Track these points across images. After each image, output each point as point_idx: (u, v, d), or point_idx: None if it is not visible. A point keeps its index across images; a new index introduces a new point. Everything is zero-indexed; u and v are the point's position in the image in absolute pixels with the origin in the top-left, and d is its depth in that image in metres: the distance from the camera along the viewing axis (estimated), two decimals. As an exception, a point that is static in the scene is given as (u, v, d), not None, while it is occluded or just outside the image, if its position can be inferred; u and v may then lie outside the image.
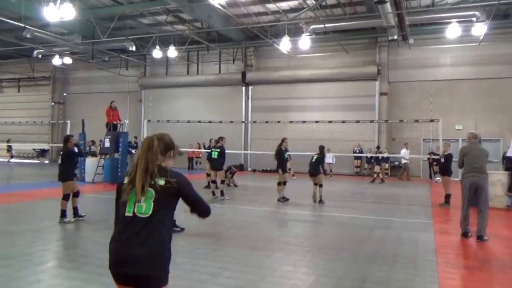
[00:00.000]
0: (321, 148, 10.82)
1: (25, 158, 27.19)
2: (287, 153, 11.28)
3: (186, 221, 7.68)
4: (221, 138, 11.33)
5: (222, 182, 11.10)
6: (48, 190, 11.44)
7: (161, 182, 2.26)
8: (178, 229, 6.60)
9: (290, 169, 16.30)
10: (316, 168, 10.58)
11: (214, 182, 11.19)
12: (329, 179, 17.01)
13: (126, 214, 2.24)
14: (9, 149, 25.91)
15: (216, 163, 11.01)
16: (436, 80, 18.94)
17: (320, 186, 10.56)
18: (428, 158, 16.80)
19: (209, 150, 14.23)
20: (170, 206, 2.31)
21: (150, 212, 2.21)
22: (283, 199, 10.54)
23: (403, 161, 18.00)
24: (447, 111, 18.13)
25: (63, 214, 7.53)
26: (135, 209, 2.22)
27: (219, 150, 11.06)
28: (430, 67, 19.20)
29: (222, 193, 10.90)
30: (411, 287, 4.38)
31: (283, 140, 10.95)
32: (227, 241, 6.41)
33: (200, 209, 2.46)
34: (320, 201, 10.46)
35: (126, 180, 2.30)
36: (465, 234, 6.63)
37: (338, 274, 4.78)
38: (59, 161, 7.78)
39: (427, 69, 19.24)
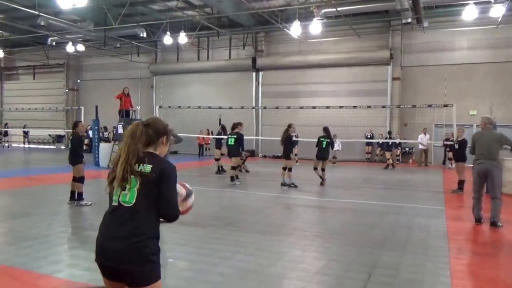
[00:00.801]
0: (328, 130, 11.10)
1: (42, 143, 27.70)
2: (294, 138, 11.49)
3: (198, 207, 7.80)
4: (239, 124, 11.31)
5: (234, 168, 11.14)
6: (65, 175, 11.66)
7: (147, 169, 2.14)
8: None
9: (296, 155, 16.39)
10: (328, 152, 10.91)
11: (233, 168, 11.20)
12: (334, 166, 16.98)
13: (113, 203, 2.16)
14: (25, 135, 26.42)
15: (233, 150, 11.05)
16: (451, 64, 18.58)
17: (323, 170, 11.01)
18: (445, 145, 16.62)
19: (218, 137, 14.40)
20: (155, 195, 2.13)
21: (134, 201, 2.10)
22: (293, 185, 10.60)
23: (420, 146, 17.81)
24: (461, 96, 17.82)
25: (80, 196, 7.77)
26: (120, 198, 2.13)
27: (235, 136, 11.06)
28: (445, 50, 18.82)
29: (232, 178, 10.97)
30: (422, 273, 4.39)
31: (290, 125, 10.93)
32: (238, 226, 6.50)
33: (167, 207, 2.16)
34: (322, 183, 10.99)
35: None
36: (478, 220, 6.60)
37: (348, 259, 4.82)
38: (69, 145, 8.07)
39: (442, 53, 18.87)
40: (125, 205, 2.11)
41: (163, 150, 2.33)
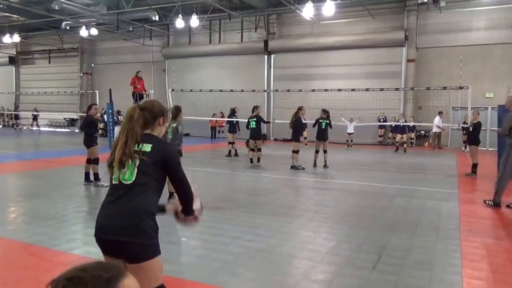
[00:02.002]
0: (327, 112, 11.40)
1: (57, 127, 28.18)
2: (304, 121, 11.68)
3: (210, 189, 7.90)
4: (256, 107, 11.54)
5: (259, 149, 11.24)
6: (80, 157, 11.89)
7: (147, 148, 2.21)
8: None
9: (305, 138, 16.39)
10: (327, 133, 11.22)
11: (253, 150, 11.43)
12: (350, 149, 16.94)
13: (114, 182, 2.22)
14: (35, 117, 26.76)
15: (255, 132, 11.20)
16: (468, 45, 18.10)
17: (325, 151, 11.15)
18: (462, 128, 16.31)
19: (231, 119, 14.48)
20: (154, 175, 2.21)
21: (133, 179, 2.16)
22: (300, 167, 10.69)
23: (436, 129, 17.52)
24: (477, 78, 17.43)
25: (96, 177, 7.96)
26: (120, 176, 2.18)
27: (256, 119, 11.19)
28: (462, 31, 18.33)
29: (258, 160, 11.18)
30: (432, 255, 4.40)
31: (300, 108, 11.00)
32: (249, 207, 6.57)
33: (183, 187, 2.30)
34: (325, 165, 11.06)
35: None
36: (499, 205, 6.50)
37: (358, 240, 4.86)
38: (82, 129, 8.23)
39: (458, 34, 18.39)
40: (125, 182, 2.17)
41: (161, 131, 2.42)
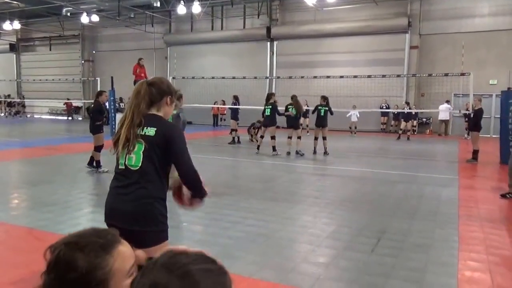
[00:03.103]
0: (326, 98, 11.42)
1: (58, 115, 28.23)
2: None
3: (212, 176, 7.96)
4: (272, 94, 11.59)
5: (273, 137, 11.11)
6: (82, 145, 11.98)
7: (151, 132, 2.12)
8: None
9: (307, 125, 16.44)
10: (326, 119, 11.22)
11: (262, 137, 11.54)
12: (353, 136, 16.96)
13: (120, 167, 2.16)
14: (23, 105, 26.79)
15: (269, 120, 11.19)
16: (472, 32, 17.90)
17: (324, 138, 11.16)
18: (464, 114, 16.25)
19: (233, 107, 14.48)
20: (160, 159, 2.13)
21: (140, 164, 2.09)
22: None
23: (443, 117, 17.52)
24: (481, 64, 17.29)
25: (98, 164, 8.01)
26: (126, 161, 2.12)
27: (271, 106, 11.15)
28: (466, 17, 18.11)
29: (274, 149, 10.99)
30: (431, 238, 4.46)
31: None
32: (251, 193, 6.62)
33: (187, 170, 2.17)
34: (325, 153, 11.07)
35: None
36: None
37: (358, 225, 4.91)
38: (90, 114, 8.24)
39: (462, 20, 18.17)
40: (132, 168, 2.11)
41: (168, 111, 2.27)
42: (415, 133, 18.14)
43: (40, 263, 1.01)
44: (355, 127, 17.63)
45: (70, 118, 26.17)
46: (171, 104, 2.27)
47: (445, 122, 17.81)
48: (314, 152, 11.35)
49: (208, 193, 2.28)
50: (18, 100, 28.29)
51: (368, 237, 4.46)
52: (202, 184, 2.22)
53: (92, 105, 8.21)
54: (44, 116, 27.43)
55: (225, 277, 0.82)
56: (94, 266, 0.95)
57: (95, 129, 8.00)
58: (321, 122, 11.31)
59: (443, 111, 16.96)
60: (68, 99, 25.75)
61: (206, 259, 0.83)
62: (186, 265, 0.79)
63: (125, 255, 1.01)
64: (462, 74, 13.38)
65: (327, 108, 11.32)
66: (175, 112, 6.63)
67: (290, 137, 11.16)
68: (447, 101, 17.19)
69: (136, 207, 2.07)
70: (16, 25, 23.56)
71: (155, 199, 2.12)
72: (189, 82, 19.18)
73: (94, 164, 8.06)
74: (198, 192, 2.22)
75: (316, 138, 11.41)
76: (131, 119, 2.12)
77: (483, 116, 10.50)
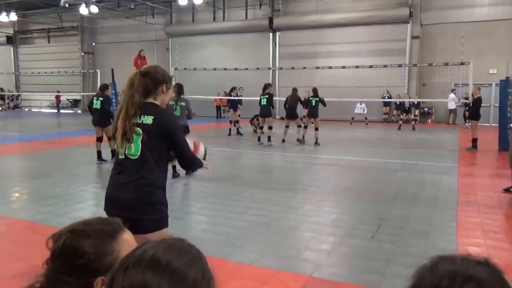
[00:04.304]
0: (316, 90, 11.75)
1: (61, 108, 28.23)
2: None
3: (215, 167, 8.04)
4: (269, 85, 11.73)
5: (270, 128, 11.24)
6: (82, 138, 12.06)
7: (148, 120, 2.14)
8: (177, 173, 6.93)
9: (305, 116, 16.49)
10: (317, 110, 11.52)
11: (261, 128, 11.58)
12: (368, 127, 16.98)
13: (120, 156, 2.19)
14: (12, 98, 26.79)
15: (265, 110, 11.27)
16: (472, 22, 17.84)
17: (316, 129, 11.44)
18: (464, 103, 16.28)
19: (233, 98, 14.51)
20: (159, 147, 2.17)
21: (139, 153, 2.13)
22: (302, 140, 11.42)
23: (451, 106, 17.59)
24: (482, 54, 17.25)
25: (99, 155, 8.21)
26: (126, 151, 2.15)
27: (267, 96, 11.24)
28: (466, 7, 18.02)
29: (269, 139, 11.08)
30: (429, 224, 4.56)
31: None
32: (253, 183, 6.72)
33: (186, 157, 2.26)
34: (316, 143, 11.29)
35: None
36: None
37: (359, 213, 5.02)
38: (98, 106, 8.12)
39: (463, 10, 18.08)
40: (131, 157, 2.15)
41: (164, 99, 2.28)
42: (417, 122, 18.17)
43: (41, 257, 1.02)
44: (366, 118, 17.53)
45: (58, 111, 26.10)
46: (167, 91, 2.28)
47: (454, 111, 17.94)
48: (300, 140, 11.63)
49: (205, 165, 2.45)
50: (16, 93, 28.18)
51: (368, 224, 4.56)
52: (198, 164, 2.38)
53: (102, 99, 8.17)
54: (44, 110, 27.34)
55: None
56: (101, 253, 0.95)
57: (108, 121, 8.03)
58: (312, 113, 11.69)
59: (451, 101, 17.05)
60: (58, 92, 25.54)
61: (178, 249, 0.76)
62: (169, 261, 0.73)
63: (130, 242, 1.02)
64: (462, 64, 13.38)
65: (317, 99, 11.53)
66: (183, 103, 6.75)
67: (306, 127, 11.81)
68: (453, 90, 17.21)
69: (136, 195, 2.11)
70: (13, 16, 22.96)
71: (155, 187, 2.17)
72: (191, 73, 19.16)
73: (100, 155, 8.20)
74: (193, 168, 2.38)
75: (305, 127, 11.84)
76: (126, 110, 2.14)
77: (483, 105, 10.58)
